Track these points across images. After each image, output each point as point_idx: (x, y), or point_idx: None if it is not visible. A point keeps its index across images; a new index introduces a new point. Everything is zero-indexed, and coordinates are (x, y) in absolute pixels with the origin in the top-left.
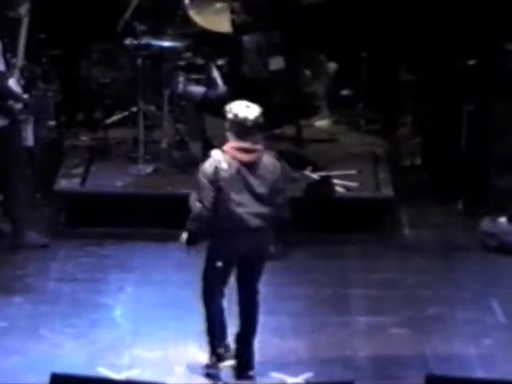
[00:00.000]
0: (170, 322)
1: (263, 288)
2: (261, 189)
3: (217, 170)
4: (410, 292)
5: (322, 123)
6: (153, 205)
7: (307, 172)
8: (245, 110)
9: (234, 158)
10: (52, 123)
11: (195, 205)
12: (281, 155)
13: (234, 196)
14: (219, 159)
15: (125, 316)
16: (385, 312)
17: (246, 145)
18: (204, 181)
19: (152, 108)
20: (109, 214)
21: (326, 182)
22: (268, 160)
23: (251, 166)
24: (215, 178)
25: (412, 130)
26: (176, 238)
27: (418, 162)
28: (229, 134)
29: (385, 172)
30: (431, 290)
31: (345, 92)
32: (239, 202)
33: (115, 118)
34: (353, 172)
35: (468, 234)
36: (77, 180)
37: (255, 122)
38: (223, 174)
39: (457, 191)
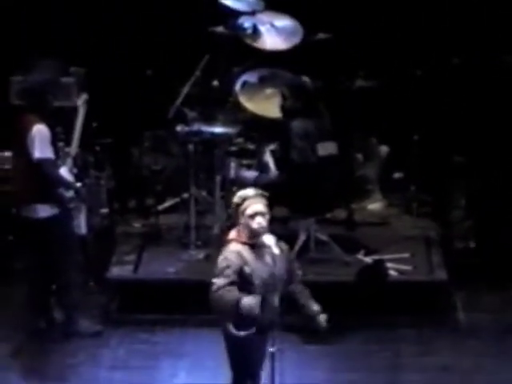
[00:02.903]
0: None
1: (317, 373)
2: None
3: None
4: (465, 376)
5: (374, 206)
6: (204, 291)
7: (360, 256)
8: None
9: None
10: (104, 210)
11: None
12: (333, 239)
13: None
14: None
15: None
16: None
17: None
18: None
19: (204, 194)
20: (161, 301)
21: (379, 265)
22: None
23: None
24: None
25: (465, 213)
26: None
27: (472, 244)
28: None
29: (438, 255)
30: (488, 375)
31: (397, 175)
32: None
33: (167, 204)
34: (406, 255)
35: None
36: (129, 267)
37: None
38: None
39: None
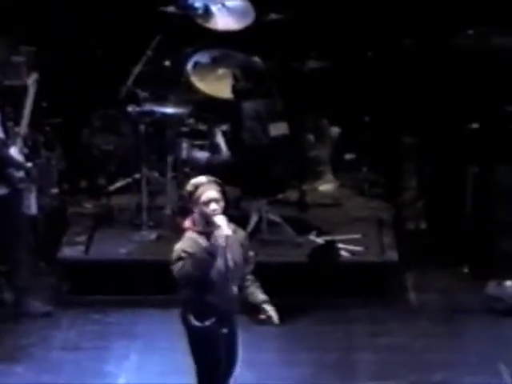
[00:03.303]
0: None
1: (270, 354)
2: None
3: None
4: (416, 356)
5: (325, 187)
6: (156, 271)
7: (311, 237)
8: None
9: None
10: (55, 191)
11: None
12: (285, 220)
13: None
14: None
15: None
16: (391, 377)
17: None
18: None
19: (155, 174)
20: (112, 282)
21: (330, 246)
22: None
23: None
24: None
25: (416, 194)
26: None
27: (423, 225)
28: None
29: (389, 236)
30: (437, 355)
31: (348, 156)
32: None
33: (118, 184)
34: (357, 236)
35: (474, 297)
36: (80, 248)
37: None
38: None
39: (462, 255)
